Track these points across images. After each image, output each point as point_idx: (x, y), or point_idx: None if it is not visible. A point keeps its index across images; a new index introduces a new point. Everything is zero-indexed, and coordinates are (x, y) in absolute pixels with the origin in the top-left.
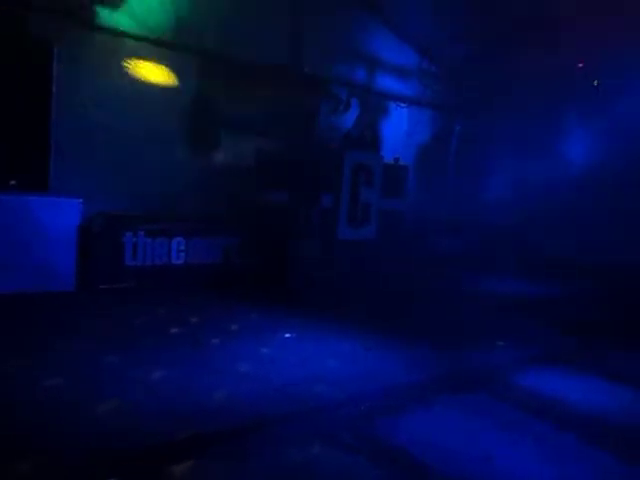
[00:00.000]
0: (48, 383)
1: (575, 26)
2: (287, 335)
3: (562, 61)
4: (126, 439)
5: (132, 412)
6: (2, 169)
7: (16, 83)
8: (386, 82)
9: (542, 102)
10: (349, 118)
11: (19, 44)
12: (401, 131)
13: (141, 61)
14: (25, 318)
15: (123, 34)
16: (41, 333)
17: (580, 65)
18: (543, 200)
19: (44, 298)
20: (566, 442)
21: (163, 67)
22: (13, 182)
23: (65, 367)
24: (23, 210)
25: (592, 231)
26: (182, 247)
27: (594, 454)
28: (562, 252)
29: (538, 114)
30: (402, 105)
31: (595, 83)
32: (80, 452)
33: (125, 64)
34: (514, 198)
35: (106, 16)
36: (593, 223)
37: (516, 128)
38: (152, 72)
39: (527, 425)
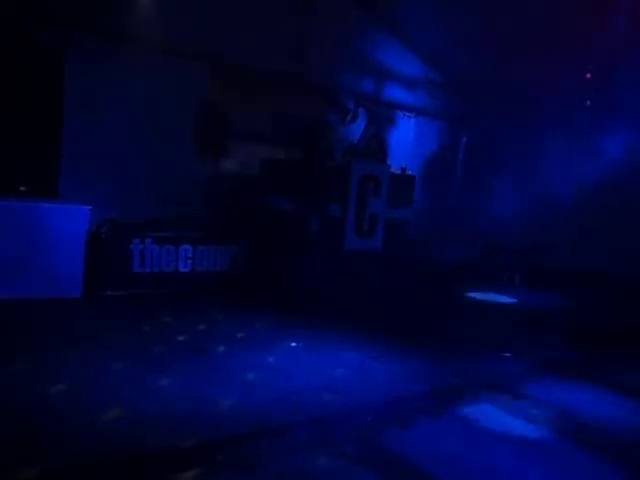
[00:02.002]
0: (53, 389)
1: (583, 37)
2: (293, 344)
3: (569, 72)
4: (132, 446)
5: (138, 419)
6: (12, 175)
7: (27, 91)
8: (394, 92)
9: (550, 113)
10: (357, 128)
11: (30, 52)
12: (408, 141)
13: (152, 69)
14: (31, 324)
15: (134, 41)
16: (47, 339)
17: (588, 76)
18: (550, 211)
19: (51, 304)
20: (572, 454)
21: (172, 74)
22: (23, 188)
23: (70, 373)
24: (32, 216)
25: (599, 242)
26: (189, 254)
27: (603, 469)
28: (568, 263)
29: (545, 124)
30: (409, 115)
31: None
32: (85, 459)
33: (135, 72)
34: (521, 209)
35: (117, 23)
36: (600, 234)
37: (523, 139)
38: (161, 80)
39: (533, 438)
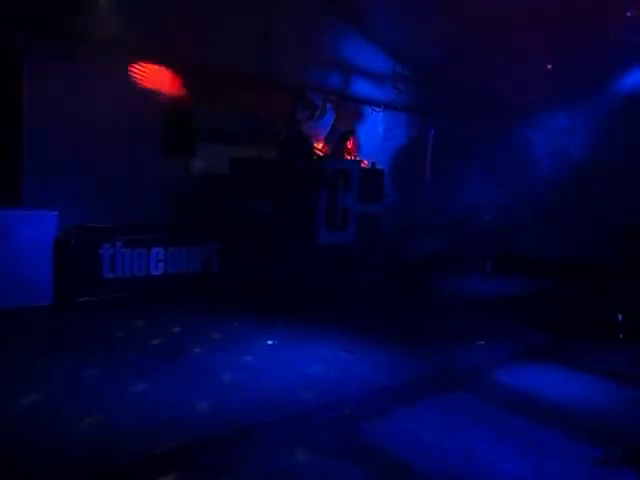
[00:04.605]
0: (26, 400)
1: (543, 30)
2: (270, 342)
3: (534, 63)
4: (109, 453)
5: (114, 426)
6: None
7: None
8: (361, 87)
9: (516, 102)
10: (325, 124)
11: None
12: (377, 135)
13: (116, 71)
14: (2, 333)
15: (97, 42)
16: (18, 349)
17: (549, 67)
18: (521, 200)
19: (20, 313)
20: (546, 437)
21: (137, 77)
22: None
23: (44, 383)
24: None
25: (572, 230)
26: (161, 257)
27: (574, 448)
28: (541, 251)
29: (512, 115)
30: (377, 109)
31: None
32: (62, 469)
33: (99, 74)
34: (491, 199)
35: (79, 25)
36: (572, 222)
37: (491, 130)
38: (127, 82)
39: (508, 422)
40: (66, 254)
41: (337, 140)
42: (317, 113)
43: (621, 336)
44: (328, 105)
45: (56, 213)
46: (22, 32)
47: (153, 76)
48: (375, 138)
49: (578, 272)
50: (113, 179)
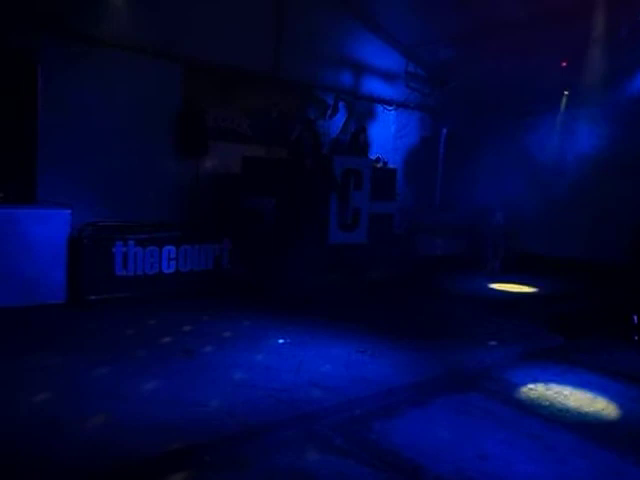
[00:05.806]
0: (37, 398)
1: (556, 28)
2: (281, 341)
3: (545, 61)
4: (119, 452)
5: (124, 425)
6: None
7: (0, 96)
8: (373, 86)
9: (527, 102)
10: (337, 122)
11: (2, 56)
12: (389, 134)
13: (127, 70)
14: (14, 331)
15: (109, 42)
16: (30, 346)
17: (564, 64)
18: (532, 200)
19: (33, 311)
20: (561, 439)
21: (150, 75)
22: (0, 194)
23: (54, 381)
24: (11, 222)
25: (582, 230)
26: (173, 255)
27: (589, 450)
28: (551, 251)
29: (522, 114)
30: (389, 108)
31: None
32: (71, 468)
33: (111, 74)
34: (503, 198)
35: (92, 25)
36: (583, 221)
37: (502, 129)
38: (139, 81)
39: (522, 423)
40: (79, 252)
41: (349, 139)
42: (329, 112)
43: (636, 338)
44: (340, 104)
45: (69, 211)
46: (36, 33)
47: None
48: (387, 137)
49: (589, 272)
50: (126, 178)
